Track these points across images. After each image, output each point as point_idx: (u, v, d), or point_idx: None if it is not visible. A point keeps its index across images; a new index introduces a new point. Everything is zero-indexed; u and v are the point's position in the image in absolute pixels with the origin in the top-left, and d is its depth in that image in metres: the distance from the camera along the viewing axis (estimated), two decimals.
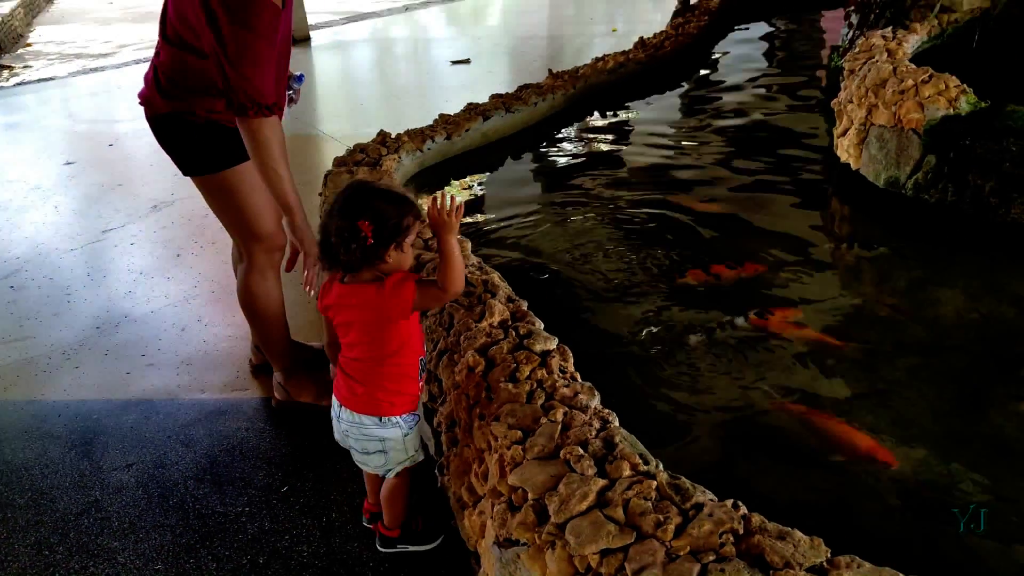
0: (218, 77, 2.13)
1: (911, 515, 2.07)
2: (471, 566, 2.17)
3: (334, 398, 2.10)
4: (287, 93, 2.60)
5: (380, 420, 2.03)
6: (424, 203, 2.44)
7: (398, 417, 2.03)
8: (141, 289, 3.76)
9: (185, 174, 2.50)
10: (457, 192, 4.20)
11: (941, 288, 2.99)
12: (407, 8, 11.86)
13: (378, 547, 2.23)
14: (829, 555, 1.54)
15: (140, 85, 2.45)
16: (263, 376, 3.00)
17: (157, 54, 2.40)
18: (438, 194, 1.99)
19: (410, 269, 1.99)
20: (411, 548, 2.23)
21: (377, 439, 2.05)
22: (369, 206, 1.84)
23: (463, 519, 2.22)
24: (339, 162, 3.79)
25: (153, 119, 2.42)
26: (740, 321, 2.85)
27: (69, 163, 5.70)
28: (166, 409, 2.88)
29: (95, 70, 8.84)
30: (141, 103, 2.43)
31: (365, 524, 2.31)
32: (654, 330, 2.88)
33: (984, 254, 3.23)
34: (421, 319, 2.20)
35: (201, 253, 4.10)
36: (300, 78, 2.75)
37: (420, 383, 2.08)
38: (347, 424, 2.06)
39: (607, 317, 3.00)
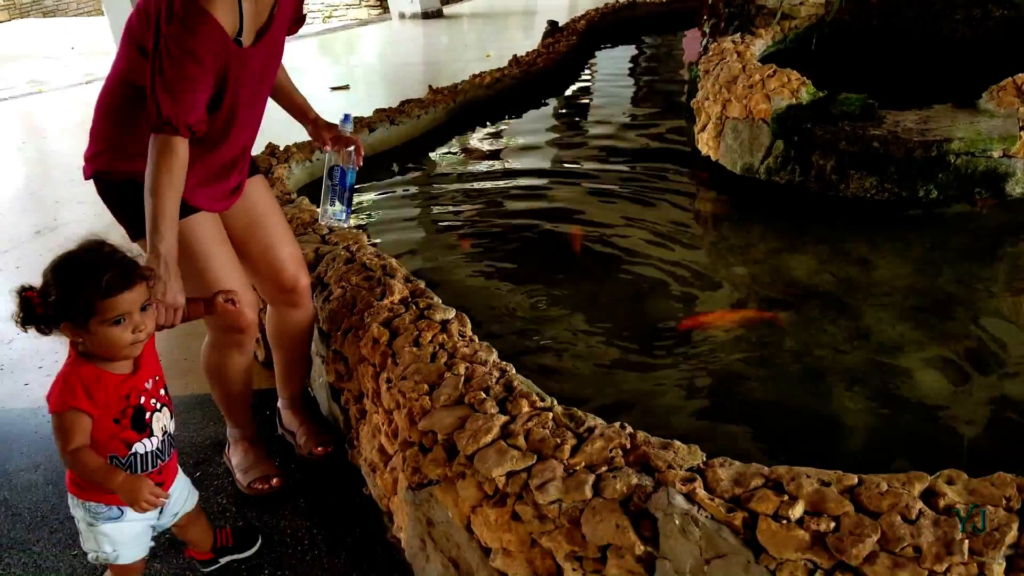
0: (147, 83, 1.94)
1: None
2: (384, 524, 2.31)
3: None
4: (347, 151, 2.48)
5: (70, 497, 1.84)
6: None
7: (80, 500, 1.82)
8: None
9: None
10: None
11: (795, 256, 3.34)
12: None
13: None
14: (704, 458, 1.77)
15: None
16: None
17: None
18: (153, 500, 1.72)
19: None
20: None
21: (75, 516, 1.87)
22: (46, 274, 1.67)
23: (375, 481, 2.37)
24: None
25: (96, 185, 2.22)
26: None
27: None
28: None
29: None
30: None
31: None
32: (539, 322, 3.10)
33: (829, 225, 3.61)
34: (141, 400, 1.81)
35: None
36: (347, 119, 2.56)
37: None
38: None
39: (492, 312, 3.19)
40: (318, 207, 2.60)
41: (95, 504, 1.81)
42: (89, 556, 1.89)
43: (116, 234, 1.85)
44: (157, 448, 1.83)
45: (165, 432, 1.85)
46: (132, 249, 1.79)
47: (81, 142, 2.22)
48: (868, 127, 3.62)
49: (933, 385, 2.50)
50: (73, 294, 1.62)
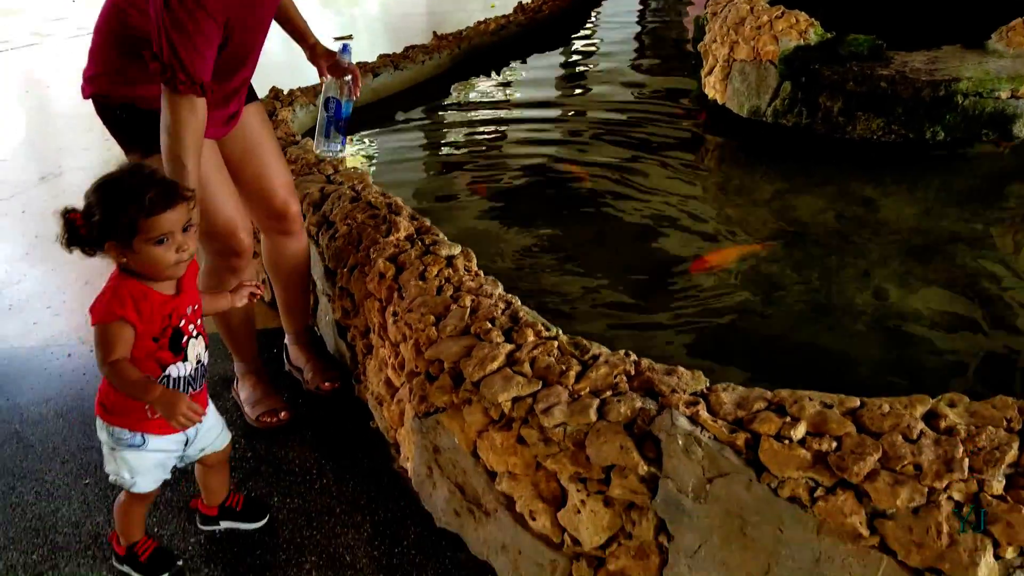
0: (154, 42, 1.91)
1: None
2: (391, 455, 2.35)
3: None
4: (344, 81, 2.48)
5: (97, 418, 1.86)
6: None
7: (105, 424, 1.83)
8: (38, 251, 3.74)
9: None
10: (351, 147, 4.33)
11: (800, 196, 3.34)
12: None
13: (113, 560, 2.05)
14: (708, 384, 1.78)
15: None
16: None
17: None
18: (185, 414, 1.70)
19: None
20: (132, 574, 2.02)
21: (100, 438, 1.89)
22: (88, 196, 1.67)
23: (382, 413, 2.39)
24: None
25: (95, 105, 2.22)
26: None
27: None
28: (79, 351, 2.94)
29: None
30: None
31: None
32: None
33: (836, 166, 3.61)
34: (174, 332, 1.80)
35: None
36: (346, 48, 2.49)
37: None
38: None
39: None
40: (315, 142, 2.61)
41: (119, 429, 1.82)
42: (110, 478, 1.91)
43: None
44: (190, 374, 1.83)
45: (199, 361, 1.85)
46: None
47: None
48: (876, 67, 3.60)
49: (936, 319, 2.52)
50: (117, 213, 1.63)
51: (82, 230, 1.65)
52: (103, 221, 1.63)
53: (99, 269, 3.44)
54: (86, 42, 2.23)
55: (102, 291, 1.72)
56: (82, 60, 2.21)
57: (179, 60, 1.87)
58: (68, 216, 1.65)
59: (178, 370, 1.80)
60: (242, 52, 2.15)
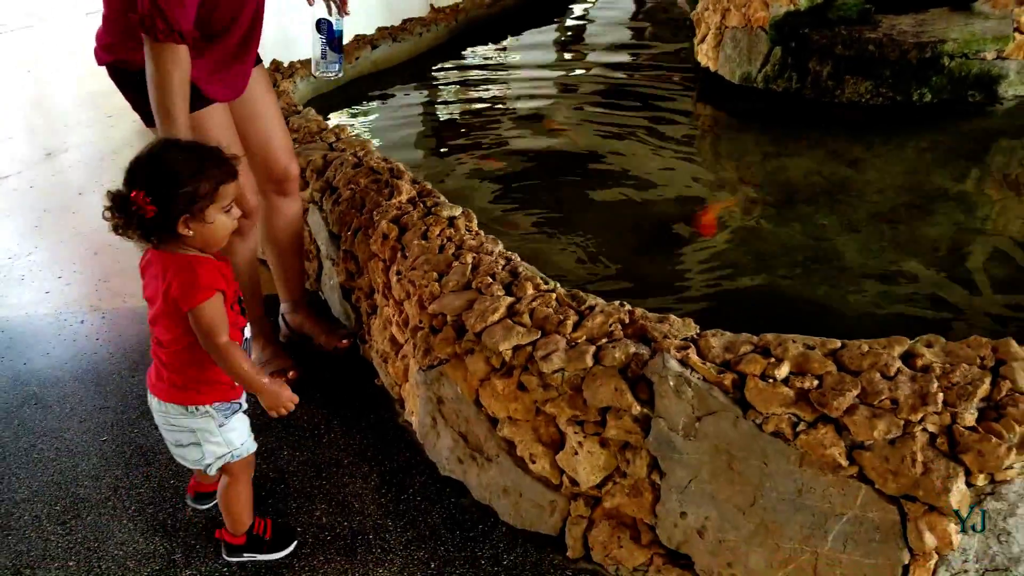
0: None
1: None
2: (396, 410, 2.44)
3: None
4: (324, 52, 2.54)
5: (187, 409, 1.77)
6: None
7: (207, 406, 1.77)
8: (48, 224, 3.83)
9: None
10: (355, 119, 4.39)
11: (790, 159, 3.42)
12: None
13: (224, 557, 2.00)
14: (698, 330, 1.87)
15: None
16: None
17: None
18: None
19: None
20: (259, 557, 1.99)
21: (188, 430, 1.80)
22: (147, 172, 1.57)
23: (387, 370, 2.48)
24: None
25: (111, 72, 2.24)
26: None
27: None
28: (91, 318, 3.03)
29: None
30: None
31: (188, 502, 2.15)
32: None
33: (825, 129, 3.69)
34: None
35: (103, 191, 4.15)
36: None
37: None
38: (156, 414, 1.82)
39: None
40: (312, 65, 2.65)
41: (221, 403, 1.80)
42: (212, 469, 1.85)
43: (124, 157, 1.80)
44: (251, 332, 1.87)
45: None
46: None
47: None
48: (864, 31, 3.66)
49: (920, 273, 2.60)
50: (200, 182, 1.58)
51: (149, 213, 1.54)
52: (183, 194, 1.56)
53: (108, 240, 3.56)
54: (82, 22, 2.26)
55: (181, 276, 1.63)
56: (79, 40, 2.25)
57: (157, 8, 1.88)
58: (127, 198, 1.54)
59: (248, 330, 1.84)
60: (233, 3, 2.18)
